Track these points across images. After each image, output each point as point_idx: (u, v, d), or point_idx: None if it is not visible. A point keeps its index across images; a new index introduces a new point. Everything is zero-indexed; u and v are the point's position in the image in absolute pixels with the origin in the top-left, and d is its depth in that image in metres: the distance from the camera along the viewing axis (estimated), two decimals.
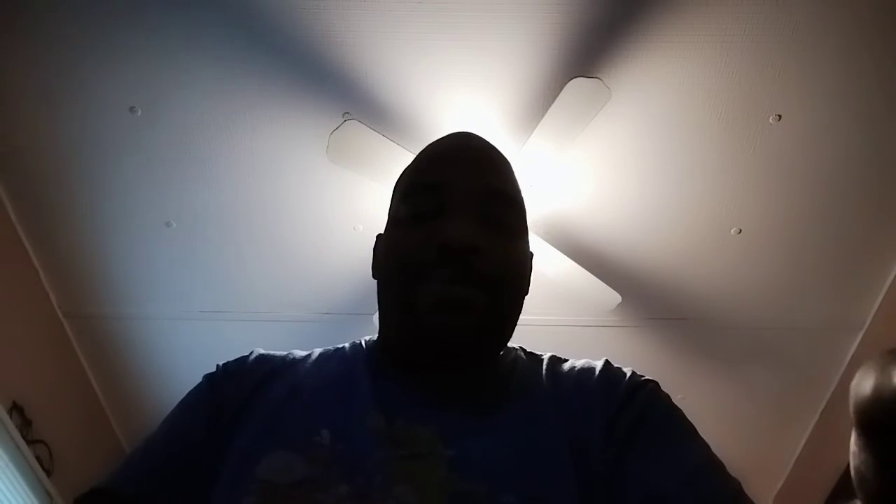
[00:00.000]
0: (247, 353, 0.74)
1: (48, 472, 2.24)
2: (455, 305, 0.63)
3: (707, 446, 0.61)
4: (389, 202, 0.75)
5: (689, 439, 0.61)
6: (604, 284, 2.12)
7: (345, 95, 1.89)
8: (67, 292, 2.42)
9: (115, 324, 2.51)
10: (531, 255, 0.76)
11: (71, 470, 2.36)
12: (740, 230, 2.19)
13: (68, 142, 2.02)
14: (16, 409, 2.16)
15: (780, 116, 1.91)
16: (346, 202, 2.14)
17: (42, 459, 2.23)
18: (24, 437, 2.14)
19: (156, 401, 2.73)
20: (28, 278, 2.32)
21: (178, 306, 2.47)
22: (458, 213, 0.66)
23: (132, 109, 1.94)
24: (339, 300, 2.41)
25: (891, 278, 2.27)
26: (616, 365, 0.70)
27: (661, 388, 0.67)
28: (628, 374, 0.67)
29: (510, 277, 0.68)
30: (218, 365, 0.72)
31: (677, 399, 0.65)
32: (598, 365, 0.69)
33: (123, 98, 1.91)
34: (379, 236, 0.76)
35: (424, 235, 0.65)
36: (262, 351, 0.75)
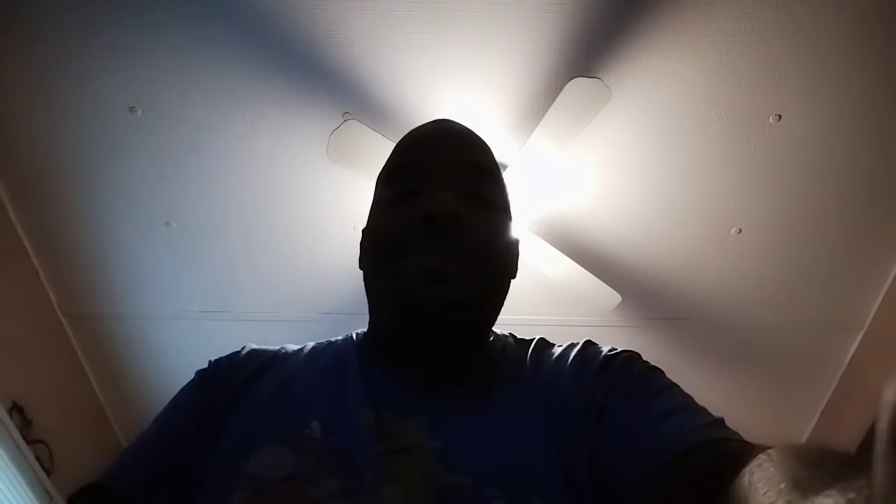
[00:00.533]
0: (238, 349, 0.74)
1: (48, 472, 2.24)
2: (439, 278, 0.62)
3: (689, 395, 0.60)
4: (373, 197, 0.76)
5: (667, 390, 0.61)
6: (604, 284, 2.12)
7: (345, 95, 1.89)
8: (67, 292, 2.42)
9: (115, 324, 2.51)
10: (517, 240, 0.76)
11: (71, 470, 2.36)
12: (740, 230, 2.19)
13: (68, 142, 2.02)
14: (16, 409, 2.16)
15: (780, 116, 1.91)
16: (346, 202, 2.14)
17: (42, 459, 2.23)
18: (24, 437, 2.14)
19: (156, 401, 2.72)
20: (28, 278, 2.32)
21: (178, 306, 2.47)
22: (440, 186, 0.66)
23: (132, 109, 1.94)
24: (339, 300, 2.41)
25: (891, 278, 2.27)
26: (596, 343, 0.70)
27: (641, 357, 0.66)
28: (605, 349, 0.68)
29: (495, 249, 0.67)
30: (210, 361, 0.72)
31: None
32: (578, 345, 0.69)
33: (123, 98, 1.91)
34: (364, 230, 0.76)
35: (407, 210, 0.65)
36: (254, 346, 0.74)
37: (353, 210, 2.16)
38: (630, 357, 0.66)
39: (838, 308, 2.38)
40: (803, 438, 2.77)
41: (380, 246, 0.67)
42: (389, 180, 0.71)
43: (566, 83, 1.64)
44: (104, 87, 1.89)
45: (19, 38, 1.79)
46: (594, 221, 2.19)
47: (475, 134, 0.75)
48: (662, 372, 0.64)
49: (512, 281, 0.72)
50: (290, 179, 2.10)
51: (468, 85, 1.87)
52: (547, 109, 1.70)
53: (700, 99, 1.88)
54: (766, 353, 2.54)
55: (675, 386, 0.62)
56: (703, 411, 0.57)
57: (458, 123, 0.75)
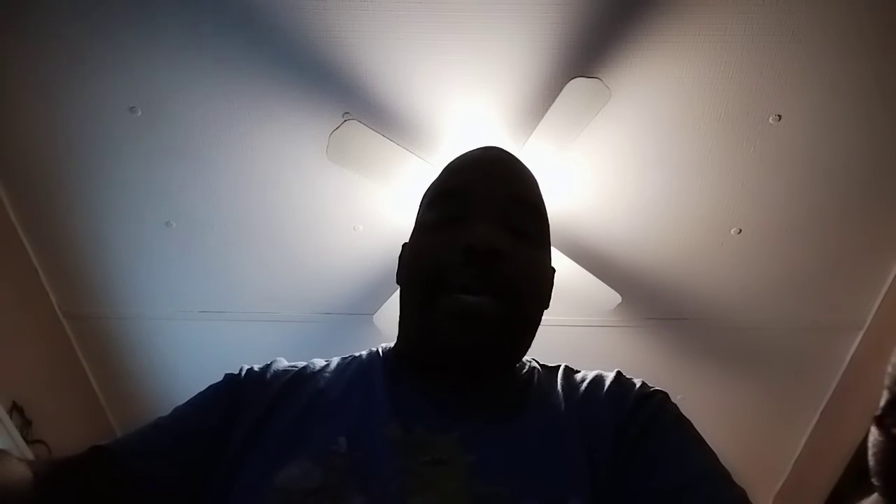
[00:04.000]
0: (268, 362, 0.74)
1: None
2: (472, 317, 0.63)
3: (714, 455, 0.61)
4: (416, 214, 0.77)
5: (695, 448, 0.62)
6: (604, 284, 2.12)
7: (345, 95, 1.89)
8: (67, 292, 2.42)
9: (115, 324, 2.51)
10: (553, 270, 0.78)
11: None
12: (740, 230, 2.19)
13: (68, 142, 2.02)
14: (16, 409, 2.16)
15: (780, 116, 1.91)
16: (346, 202, 2.14)
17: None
18: (24, 437, 2.14)
19: (155, 401, 2.72)
20: (28, 278, 2.32)
21: (178, 306, 2.47)
22: (483, 217, 0.67)
23: (132, 109, 1.94)
24: (339, 300, 2.41)
25: (891, 278, 2.27)
26: (627, 376, 0.70)
27: (670, 398, 0.67)
28: (638, 385, 0.68)
29: (531, 285, 0.69)
30: (242, 368, 0.73)
31: (677, 399, 0.65)
32: (610, 376, 0.70)
33: (123, 98, 1.91)
34: (404, 245, 0.78)
35: (449, 237, 0.67)
36: (282, 363, 0.75)
37: (353, 210, 2.16)
38: (663, 401, 0.67)
39: (838, 308, 2.38)
40: (803, 439, 2.77)
41: (420, 270, 0.69)
42: (435, 203, 0.73)
43: (566, 83, 1.64)
44: (104, 88, 1.89)
45: (19, 38, 1.79)
46: (594, 221, 2.20)
47: (523, 165, 0.76)
48: (690, 422, 0.65)
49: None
50: (291, 179, 2.10)
51: (468, 85, 1.86)
52: (547, 110, 1.70)
53: (700, 99, 1.88)
54: (766, 353, 2.54)
55: (703, 441, 0.63)
56: (727, 478, 0.58)
57: (506, 152, 0.76)
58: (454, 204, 0.70)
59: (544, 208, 0.75)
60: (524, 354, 0.73)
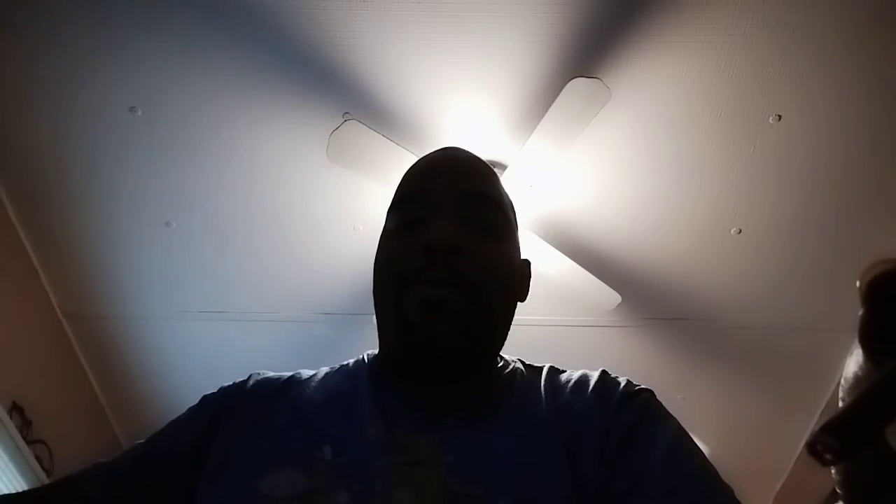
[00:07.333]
0: (248, 375, 0.75)
1: (48, 472, 2.24)
2: (438, 307, 0.64)
3: (701, 453, 0.61)
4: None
5: (682, 448, 0.61)
6: (604, 284, 2.12)
7: (345, 95, 1.89)
8: (67, 292, 2.42)
9: (115, 324, 2.52)
10: (527, 262, 0.78)
11: (71, 470, 2.36)
12: (740, 230, 2.19)
13: (68, 142, 2.02)
14: (16, 409, 2.16)
15: (780, 116, 1.91)
16: (346, 202, 2.14)
17: (42, 459, 2.23)
18: (24, 437, 2.14)
19: (155, 401, 2.73)
20: (28, 278, 2.32)
21: (178, 306, 2.47)
22: (442, 216, 0.68)
23: (132, 109, 1.94)
24: (339, 300, 2.41)
25: None
26: (613, 375, 0.70)
27: (656, 396, 0.67)
28: (623, 384, 0.68)
29: (494, 278, 0.69)
30: (220, 387, 0.74)
31: (677, 399, 0.65)
32: (595, 375, 0.69)
33: (123, 98, 1.91)
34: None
35: (410, 241, 0.67)
36: (266, 374, 0.75)
37: (353, 210, 2.16)
38: (648, 399, 0.66)
39: (838, 308, 2.38)
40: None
41: (384, 277, 0.70)
42: (394, 211, 0.74)
43: (566, 83, 1.64)
44: (104, 87, 1.89)
45: (20, 39, 1.79)
46: (594, 221, 2.20)
47: (478, 161, 0.77)
48: (676, 420, 0.65)
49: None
50: (291, 179, 2.10)
51: (468, 85, 1.87)
52: (547, 109, 1.70)
53: (700, 99, 1.88)
54: (766, 353, 2.54)
55: (690, 440, 0.63)
56: (715, 477, 0.58)
57: (462, 151, 0.77)
58: (414, 207, 0.71)
59: (504, 201, 0.75)
60: (498, 348, 0.73)
